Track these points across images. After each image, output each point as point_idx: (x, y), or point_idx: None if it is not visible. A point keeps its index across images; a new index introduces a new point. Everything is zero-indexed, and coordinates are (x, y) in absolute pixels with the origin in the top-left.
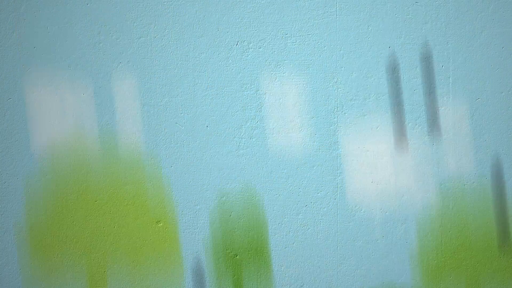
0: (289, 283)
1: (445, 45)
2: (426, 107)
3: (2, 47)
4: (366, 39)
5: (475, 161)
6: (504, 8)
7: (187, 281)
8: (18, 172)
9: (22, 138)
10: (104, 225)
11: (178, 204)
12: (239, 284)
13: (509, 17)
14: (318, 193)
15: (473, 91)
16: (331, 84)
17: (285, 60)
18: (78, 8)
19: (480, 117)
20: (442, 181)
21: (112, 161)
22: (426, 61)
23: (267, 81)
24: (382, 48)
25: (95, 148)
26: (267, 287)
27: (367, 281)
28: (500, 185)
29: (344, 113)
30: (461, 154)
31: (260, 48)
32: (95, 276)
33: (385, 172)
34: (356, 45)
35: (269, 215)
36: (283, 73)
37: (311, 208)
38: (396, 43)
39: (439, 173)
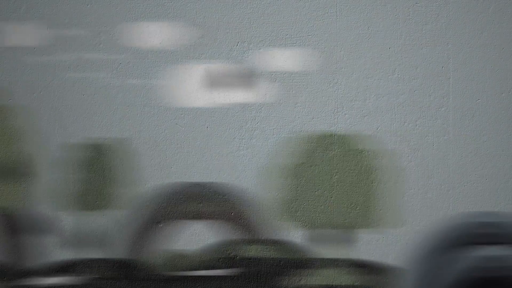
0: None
1: (445, 46)
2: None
3: (2, 47)
4: (366, 40)
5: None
6: (504, 9)
7: None
8: None
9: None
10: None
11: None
12: None
13: (509, 18)
14: (315, 191)
15: (474, 92)
16: (331, 84)
17: (285, 61)
18: (79, 9)
19: (480, 118)
20: (442, 182)
21: (112, 161)
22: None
23: (268, 82)
24: (382, 48)
25: (97, 148)
26: None
27: None
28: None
29: (345, 114)
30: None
31: (260, 49)
32: None
33: (385, 173)
34: (356, 46)
35: (269, 215)
36: (283, 74)
37: (309, 206)
38: (396, 43)
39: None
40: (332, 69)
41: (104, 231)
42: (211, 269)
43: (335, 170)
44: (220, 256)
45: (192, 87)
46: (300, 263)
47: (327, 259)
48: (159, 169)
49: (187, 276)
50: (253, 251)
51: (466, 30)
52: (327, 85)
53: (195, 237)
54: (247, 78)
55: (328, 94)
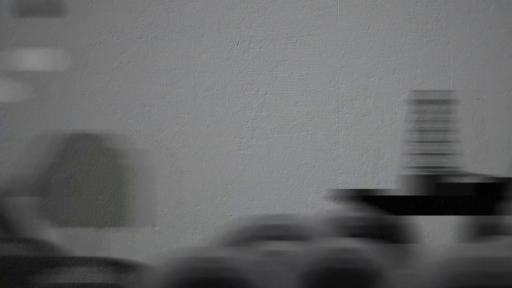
0: None
1: (445, 45)
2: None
3: (3, 47)
4: (366, 40)
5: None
6: (504, 8)
7: None
8: None
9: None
10: (104, 225)
11: (179, 203)
12: None
13: (510, 17)
14: (318, 193)
15: (474, 91)
16: (331, 84)
17: (285, 60)
18: (80, 8)
19: (481, 117)
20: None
21: (111, 161)
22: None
23: (268, 81)
24: (382, 48)
25: (95, 147)
26: None
27: None
28: None
29: (345, 113)
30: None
31: (260, 48)
32: None
33: (386, 172)
34: (357, 45)
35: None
36: (284, 73)
37: (312, 208)
38: (396, 43)
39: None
40: (332, 69)
41: None
42: None
43: (85, 169)
44: None
45: None
46: (52, 261)
47: (80, 257)
48: None
49: None
50: (6, 249)
51: (467, 29)
52: (327, 84)
53: None
54: None
55: (329, 93)
